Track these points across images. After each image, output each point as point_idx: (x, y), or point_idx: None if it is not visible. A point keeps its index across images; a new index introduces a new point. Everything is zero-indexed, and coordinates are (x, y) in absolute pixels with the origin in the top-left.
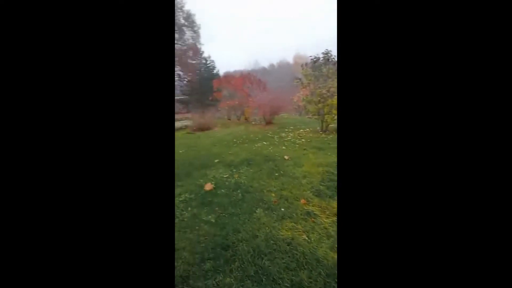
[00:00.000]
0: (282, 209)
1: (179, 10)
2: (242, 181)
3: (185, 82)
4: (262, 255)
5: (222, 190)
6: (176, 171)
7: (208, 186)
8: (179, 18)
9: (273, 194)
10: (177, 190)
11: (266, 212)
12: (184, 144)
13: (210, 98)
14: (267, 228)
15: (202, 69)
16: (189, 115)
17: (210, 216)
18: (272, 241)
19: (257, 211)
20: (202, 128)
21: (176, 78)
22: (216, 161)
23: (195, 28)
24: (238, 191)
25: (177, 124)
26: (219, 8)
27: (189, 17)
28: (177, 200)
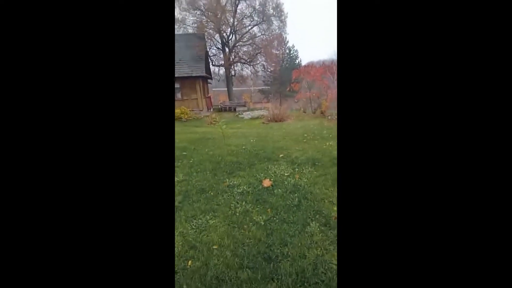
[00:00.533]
0: None
1: (269, 1)
2: (302, 184)
3: (268, 72)
4: (305, 284)
5: (279, 190)
6: (242, 160)
7: (266, 183)
8: (269, 9)
9: (335, 208)
10: (237, 180)
11: (322, 228)
12: (256, 133)
13: (288, 89)
14: (319, 249)
15: (285, 59)
16: (269, 105)
17: (260, 217)
18: (321, 269)
19: (311, 224)
20: (276, 119)
21: (260, 69)
22: (280, 155)
23: (282, 17)
24: (296, 194)
25: (254, 114)
26: None
27: (277, 6)
28: (235, 191)
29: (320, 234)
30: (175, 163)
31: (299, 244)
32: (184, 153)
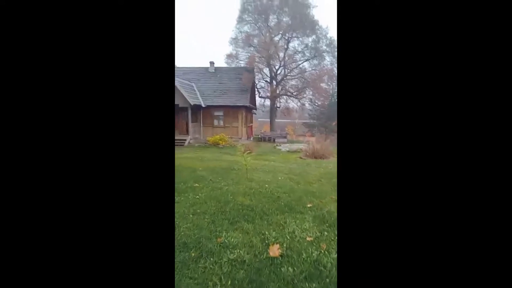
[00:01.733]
0: None
1: (323, 38)
2: (329, 264)
3: (315, 106)
4: None
5: (290, 269)
6: (255, 204)
7: (274, 251)
8: (322, 45)
9: None
10: (237, 236)
11: None
12: (288, 169)
13: (334, 124)
14: None
15: (335, 94)
16: (313, 138)
17: None
18: None
19: None
20: (316, 155)
21: (307, 102)
22: (309, 205)
23: (336, 53)
24: (314, 285)
25: (293, 146)
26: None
27: (331, 43)
28: (227, 256)
29: None
30: (179, 197)
31: None
32: (196, 184)
